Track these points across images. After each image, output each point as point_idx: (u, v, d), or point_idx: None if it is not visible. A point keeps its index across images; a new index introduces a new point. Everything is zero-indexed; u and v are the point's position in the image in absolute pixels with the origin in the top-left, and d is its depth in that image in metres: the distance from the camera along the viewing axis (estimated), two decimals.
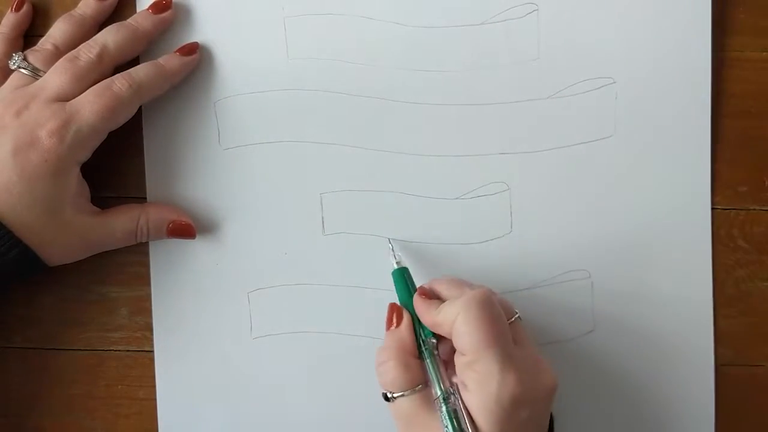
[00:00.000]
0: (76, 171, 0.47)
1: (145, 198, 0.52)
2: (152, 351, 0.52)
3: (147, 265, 0.52)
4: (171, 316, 0.52)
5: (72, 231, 0.47)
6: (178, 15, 0.51)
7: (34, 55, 0.49)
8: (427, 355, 0.46)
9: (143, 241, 0.50)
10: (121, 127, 0.48)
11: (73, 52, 0.48)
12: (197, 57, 0.51)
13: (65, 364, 0.53)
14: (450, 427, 0.42)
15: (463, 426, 0.42)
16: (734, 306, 0.52)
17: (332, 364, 0.52)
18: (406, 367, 0.45)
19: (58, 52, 0.49)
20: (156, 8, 0.51)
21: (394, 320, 0.47)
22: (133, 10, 0.51)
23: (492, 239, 0.52)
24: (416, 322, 0.47)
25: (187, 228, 0.51)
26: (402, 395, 0.44)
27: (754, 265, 0.52)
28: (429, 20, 0.51)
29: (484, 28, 0.51)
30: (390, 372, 0.45)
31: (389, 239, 0.51)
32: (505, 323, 0.44)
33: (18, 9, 0.51)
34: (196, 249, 0.52)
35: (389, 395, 0.45)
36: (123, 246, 0.50)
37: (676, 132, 0.52)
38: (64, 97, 0.47)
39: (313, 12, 0.52)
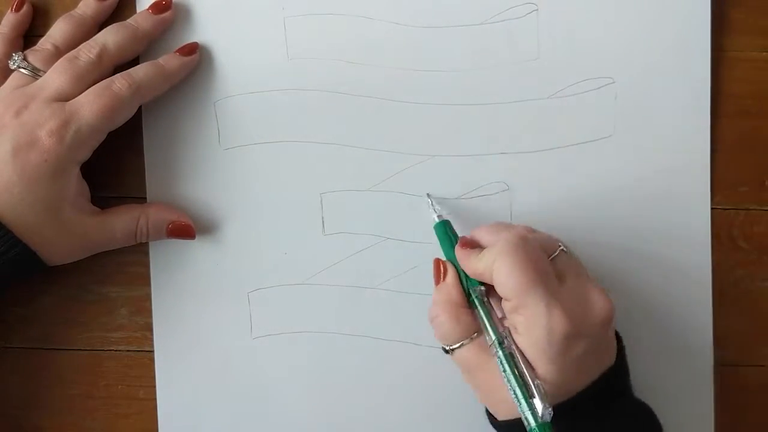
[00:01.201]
0: (76, 171, 0.47)
1: (145, 198, 0.52)
2: (152, 351, 0.52)
3: (147, 265, 0.52)
4: (171, 317, 0.52)
5: (72, 231, 0.47)
6: (177, 15, 0.51)
7: (34, 55, 0.49)
8: (477, 303, 0.46)
9: (143, 241, 0.50)
10: (121, 127, 0.48)
11: (72, 52, 0.48)
12: (197, 57, 0.51)
13: (65, 364, 0.53)
14: (508, 370, 0.42)
15: (520, 368, 0.42)
16: (734, 306, 0.52)
17: (332, 364, 0.52)
18: (457, 320, 0.45)
19: (58, 52, 0.49)
20: (156, 8, 0.51)
21: (441, 276, 0.47)
22: (133, 10, 0.51)
23: None
24: (462, 274, 0.47)
25: (186, 229, 0.51)
26: (459, 346, 0.45)
27: (754, 265, 0.52)
28: (429, 20, 0.51)
29: (484, 28, 0.51)
30: (443, 326, 0.46)
31: (428, 194, 0.51)
32: (544, 261, 0.44)
33: (18, 9, 0.51)
34: (196, 249, 0.52)
35: (447, 348, 0.46)
36: (123, 246, 0.50)
37: (676, 131, 0.52)
38: (64, 97, 0.47)
39: (313, 12, 0.52)
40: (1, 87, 0.48)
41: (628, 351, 0.47)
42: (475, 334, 0.45)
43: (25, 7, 0.51)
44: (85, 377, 0.53)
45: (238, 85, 0.51)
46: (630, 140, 0.51)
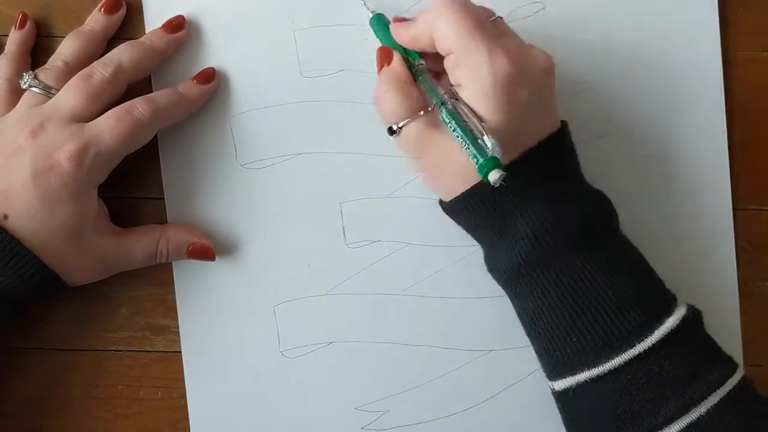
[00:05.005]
0: (95, 193, 0.47)
1: (163, 200, 0.52)
2: (152, 351, 0.52)
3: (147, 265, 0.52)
4: (198, 335, 0.52)
5: (93, 253, 0.47)
6: (189, 32, 0.51)
7: (45, 74, 0.48)
8: (420, 73, 0.46)
9: (163, 262, 0.50)
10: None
11: (86, 70, 0.48)
12: (215, 84, 0.51)
13: (65, 364, 0.52)
14: (454, 124, 0.42)
15: (466, 119, 0.42)
16: None
17: (361, 372, 0.52)
18: (407, 94, 0.45)
19: (69, 69, 0.48)
20: (169, 27, 0.50)
21: (385, 61, 0.47)
22: (141, 24, 0.51)
23: None
24: (402, 55, 0.47)
25: (206, 251, 0.50)
26: (408, 122, 0.45)
27: (754, 265, 0.53)
28: None
29: None
30: (391, 101, 0.46)
31: None
32: (482, 13, 0.45)
33: (21, 26, 0.50)
34: (219, 265, 0.52)
35: (395, 127, 0.45)
36: (143, 266, 0.50)
37: (692, 121, 0.52)
38: (80, 117, 0.46)
39: (321, 24, 0.52)
40: (16, 107, 0.48)
41: None
42: (422, 113, 0.45)
43: (28, 24, 0.51)
44: (85, 377, 0.53)
45: (252, 100, 0.51)
46: (645, 132, 0.52)
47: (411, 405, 0.52)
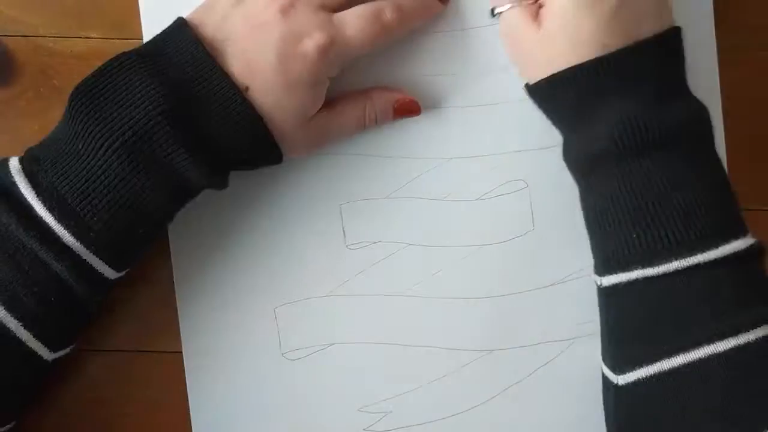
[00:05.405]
0: (327, 83, 0.47)
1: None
2: (152, 351, 0.52)
3: (146, 265, 0.51)
4: (199, 338, 0.52)
5: (313, 131, 0.48)
6: None
7: None
8: None
9: (371, 127, 0.50)
10: None
11: None
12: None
13: (65, 364, 0.52)
14: None
15: None
16: None
17: (363, 374, 0.52)
18: None
19: None
20: None
21: None
22: (138, 24, 0.51)
23: (515, 237, 0.52)
24: None
25: (411, 105, 0.50)
26: (510, 7, 0.47)
27: None
28: (436, 25, 0.51)
29: (493, 29, 0.51)
30: None
31: None
32: None
33: None
34: (220, 267, 0.52)
35: (496, 11, 0.48)
36: (351, 137, 0.51)
37: None
38: (328, 6, 0.46)
39: None
40: None
41: None
42: (525, 2, 0.46)
43: None
44: (85, 377, 0.52)
45: None
46: None
47: (413, 406, 0.52)
